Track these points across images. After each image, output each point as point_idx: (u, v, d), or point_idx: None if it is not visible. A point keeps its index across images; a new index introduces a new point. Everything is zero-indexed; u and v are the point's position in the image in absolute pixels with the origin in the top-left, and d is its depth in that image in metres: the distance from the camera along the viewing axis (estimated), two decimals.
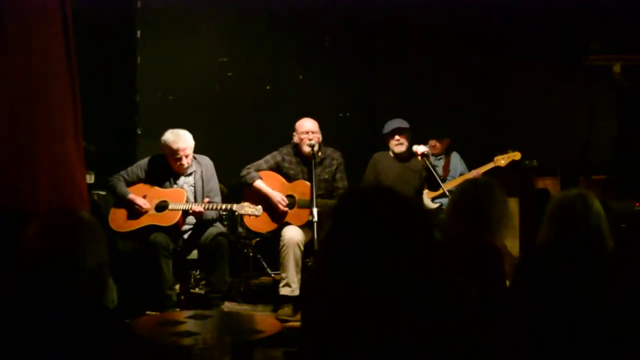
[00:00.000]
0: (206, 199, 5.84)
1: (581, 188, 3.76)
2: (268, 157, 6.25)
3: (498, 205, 3.39)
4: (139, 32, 7.07)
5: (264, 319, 4.83)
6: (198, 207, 5.73)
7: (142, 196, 5.88)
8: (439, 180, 5.78)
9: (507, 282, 3.37)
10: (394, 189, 2.28)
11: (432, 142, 6.67)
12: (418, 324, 2.08)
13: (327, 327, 2.18)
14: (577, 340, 2.83)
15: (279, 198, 6.01)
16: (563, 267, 3.04)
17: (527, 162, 6.62)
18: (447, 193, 5.51)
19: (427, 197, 6.30)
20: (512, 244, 6.13)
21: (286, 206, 6.01)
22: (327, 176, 6.13)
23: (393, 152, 6.33)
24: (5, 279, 2.29)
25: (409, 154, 6.21)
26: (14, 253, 2.34)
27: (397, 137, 6.25)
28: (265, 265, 6.44)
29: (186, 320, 4.19)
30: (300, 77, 7.47)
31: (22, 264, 2.30)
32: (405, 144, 6.27)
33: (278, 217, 6.05)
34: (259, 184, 6.10)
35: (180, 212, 5.77)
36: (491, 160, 6.24)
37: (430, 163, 5.94)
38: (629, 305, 2.87)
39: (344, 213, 2.25)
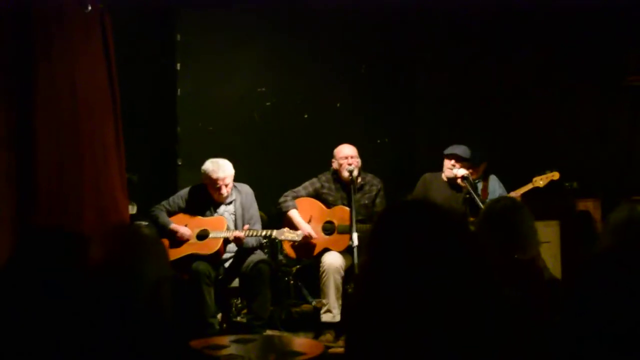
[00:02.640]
0: (246, 226, 5.92)
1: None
2: (307, 183, 6.34)
3: (524, 222, 3.46)
4: (179, 64, 7.20)
5: (307, 342, 4.91)
6: (238, 234, 5.81)
7: (184, 225, 5.97)
8: (480, 203, 5.78)
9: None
10: (436, 202, 2.23)
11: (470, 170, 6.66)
12: (472, 350, 2.00)
13: (372, 352, 2.10)
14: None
15: (307, 231, 6.06)
16: (627, 277, 3.07)
17: (567, 184, 6.63)
18: None
19: None
20: (554, 267, 6.11)
21: (326, 232, 6.10)
22: (366, 202, 6.20)
23: (445, 175, 6.30)
24: (72, 287, 2.44)
25: (453, 178, 6.22)
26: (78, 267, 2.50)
27: (453, 161, 6.21)
28: (306, 293, 6.51)
29: (229, 344, 4.29)
30: (338, 104, 7.52)
31: (89, 273, 2.46)
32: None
33: (312, 248, 6.14)
34: (292, 213, 6.18)
35: (221, 240, 5.85)
36: (530, 181, 6.21)
37: (472, 186, 5.97)
38: None
39: (385, 228, 2.16)
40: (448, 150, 6.25)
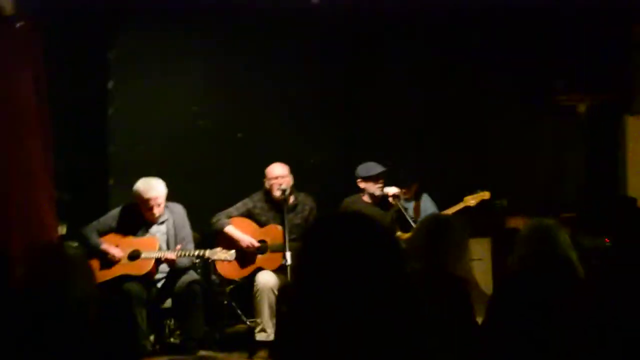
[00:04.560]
0: (178, 246, 5.90)
1: None
2: (239, 204, 6.36)
3: (457, 237, 3.55)
4: (111, 82, 7.17)
5: None
6: (171, 255, 5.80)
7: (115, 246, 5.93)
8: (411, 222, 5.88)
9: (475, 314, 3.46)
10: (364, 214, 2.21)
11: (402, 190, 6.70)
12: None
13: None
14: None
15: (247, 241, 6.11)
16: (538, 292, 3.19)
17: (497, 202, 6.72)
18: None
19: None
20: (485, 284, 6.22)
21: (259, 251, 6.11)
22: (299, 221, 6.23)
23: (372, 196, 6.32)
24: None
25: (381, 197, 6.27)
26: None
27: (380, 180, 6.26)
28: (240, 313, 6.45)
29: None
30: (272, 123, 7.45)
31: (12, 292, 2.49)
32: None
33: (249, 262, 6.15)
34: (229, 229, 6.20)
35: (153, 260, 5.83)
36: (461, 200, 6.29)
37: (402, 205, 6.05)
38: (602, 335, 2.96)
39: (314, 241, 2.12)
40: (370, 172, 6.29)
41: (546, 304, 3.15)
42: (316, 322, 1.98)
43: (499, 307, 3.30)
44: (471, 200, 6.24)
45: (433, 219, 3.87)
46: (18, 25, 5.20)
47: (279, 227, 6.05)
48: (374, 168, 6.30)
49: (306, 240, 2.14)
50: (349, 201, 6.45)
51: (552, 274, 3.30)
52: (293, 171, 6.32)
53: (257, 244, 6.13)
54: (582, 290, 3.13)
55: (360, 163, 6.45)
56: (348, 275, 1.98)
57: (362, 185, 6.35)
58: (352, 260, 2.00)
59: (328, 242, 2.06)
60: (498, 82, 7.37)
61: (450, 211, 6.25)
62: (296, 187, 6.30)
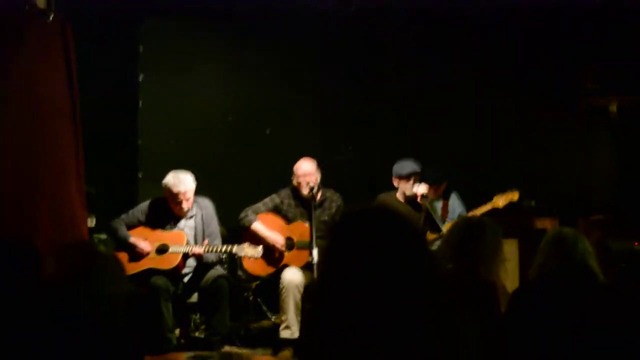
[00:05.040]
0: (205, 241, 5.92)
1: (579, 228, 3.92)
2: (267, 200, 6.36)
3: (490, 241, 3.57)
4: (141, 75, 7.21)
5: (265, 359, 4.86)
6: (198, 250, 5.82)
7: (143, 239, 5.96)
8: (439, 223, 5.86)
9: None
10: (392, 208, 2.12)
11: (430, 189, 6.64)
12: None
13: None
14: None
15: (274, 239, 6.13)
16: (555, 298, 3.21)
17: (525, 202, 6.68)
18: None
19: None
20: (512, 285, 6.13)
21: (285, 248, 6.12)
22: (326, 218, 6.22)
23: (405, 195, 6.27)
24: (24, 302, 2.48)
25: (412, 196, 6.21)
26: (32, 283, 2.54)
27: (413, 180, 6.20)
28: (266, 309, 6.49)
29: None
30: (301, 118, 7.53)
31: (42, 289, 2.49)
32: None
33: (276, 260, 6.18)
34: (256, 226, 6.20)
35: (181, 254, 5.85)
36: (490, 200, 6.26)
37: (430, 205, 6.01)
38: (622, 340, 2.98)
39: (340, 236, 2.03)
40: (404, 170, 6.24)
41: (563, 312, 3.17)
42: (341, 321, 1.90)
43: (515, 315, 3.31)
44: (499, 201, 6.22)
45: (467, 221, 3.90)
46: (50, 18, 5.23)
47: (306, 224, 6.05)
48: (408, 166, 6.24)
49: (332, 235, 2.05)
50: (382, 198, 6.38)
51: (569, 281, 3.33)
52: (321, 167, 6.31)
53: (283, 244, 6.14)
54: (603, 295, 3.22)
55: (388, 160, 6.41)
56: (374, 274, 1.90)
57: (396, 183, 6.31)
58: (379, 257, 1.91)
59: (355, 237, 1.97)
60: (529, 81, 7.30)
61: (478, 211, 6.23)
62: (323, 184, 6.28)
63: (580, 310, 3.11)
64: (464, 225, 3.74)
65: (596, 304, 3.15)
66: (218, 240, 6.06)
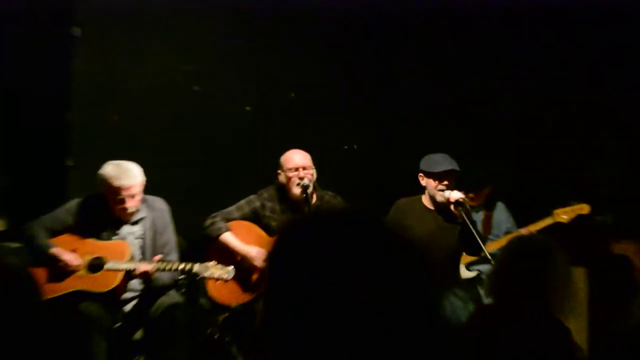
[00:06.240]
0: (158, 256, 5.79)
1: None
2: (242, 202, 6.33)
3: (561, 271, 3.56)
4: (77, 30, 7.12)
5: None
6: (146, 267, 5.68)
7: (71, 250, 5.82)
8: (479, 240, 5.63)
9: None
10: (362, 212, 1.88)
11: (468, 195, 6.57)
12: None
13: None
14: None
15: (254, 253, 6.10)
16: None
17: (598, 218, 6.67)
18: (490, 257, 5.41)
19: (460, 262, 6.22)
20: (578, 327, 6.07)
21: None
22: None
23: (434, 201, 6.06)
24: None
25: (444, 204, 6.03)
26: None
27: (446, 182, 5.97)
28: (236, 353, 6.27)
29: None
30: (292, 94, 7.54)
31: None
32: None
33: (253, 285, 6.16)
34: (227, 237, 6.17)
35: (122, 273, 5.72)
36: (549, 214, 6.27)
37: (468, 216, 5.79)
38: None
39: (279, 264, 1.85)
40: (434, 167, 6.03)
41: None
42: None
43: None
44: (563, 215, 6.21)
45: (528, 242, 3.84)
46: None
47: None
48: (441, 163, 6.01)
49: (270, 263, 1.86)
50: (402, 204, 6.20)
51: None
52: (317, 161, 6.26)
53: (263, 263, 5.89)
54: None
55: (415, 156, 6.21)
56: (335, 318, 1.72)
57: (422, 181, 6.10)
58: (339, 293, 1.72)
59: (297, 266, 1.79)
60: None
61: (534, 228, 6.23)
62: (320, 184, 6.26)
63: None
64: (525, 248, 3.69)
65: None
66: (174, 255, 5.96)
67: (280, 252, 1.85)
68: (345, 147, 7.54)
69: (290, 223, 1.96)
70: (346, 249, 1.76)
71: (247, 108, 7.51)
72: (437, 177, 5.98)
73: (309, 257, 1.79)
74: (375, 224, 1.83)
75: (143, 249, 5.89)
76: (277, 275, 1.85)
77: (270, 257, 1.87)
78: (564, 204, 6.26)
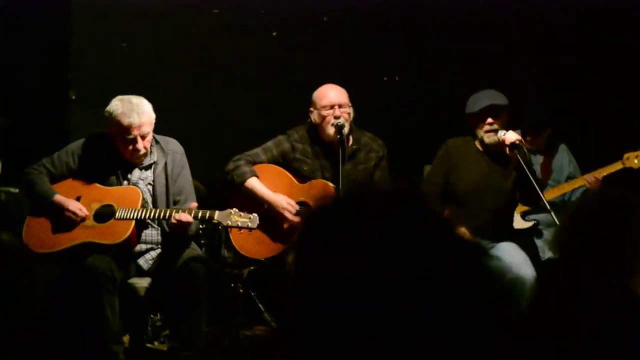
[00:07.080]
0: (193, 204, 5.82)
1: None
2: (269, 143, 6.37)
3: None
4: None
5: None
6: (186, 217, 5.69)
7: (75, 197, 5.90)
8: (537, 188, 5.68)
9: None
10: (417, 195, 1.81)
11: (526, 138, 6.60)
12: None
13: None
14: None
15: (284, 204, 6.12)
16: None
17: None
18: (548, 207, 5.47)
19: (515, 211, 6.30)
20: None
21: (297, 216, 6.06)
22: (360, 175, 6.20)
23: (482, 143, 6.15)
24: None
25: (495, 146, 6.06)
26: None
27: (489, 120, 6.04)
28: (263, 309, 6.46)
29: None
30: (325, 18, 7.47)
31: None
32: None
33: (282, 236, 6.18)
34: (252, 183, 6.18)
35: (133, 222, 5.78)
36: (618, 158, 6.28)
37: (526, 159, 5.85)
38: None
39: (309, 255, 1.79)
40: (475, 106, 6.09)
41: None
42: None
43: None
44: (635, 160, 6.22)
45: (606, 197, 3.64)
46: None
47: (329, 185, 6.11)
48: (480, 99, 6.08)
49: (298, 253, 1.81)
50: (452, 145, 6.31)
51: None
52: (355, 97, 6.23)
53: (296, 209, 6.06)
54: None
55: (466, 92, 6.27)
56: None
57: (471, 125, 6.19)
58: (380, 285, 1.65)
59: (332, 255, 1.71)
60: None
61: (599, 174, 6.28)
62: (358, 124, 6.27)
63: None
64: (599, 203, 3.53)
65: None
66: (191, 202, 5.93)
67: (307, 251, 1.81)
68: (385, 78, 7.51)
69: (316, 213, 1.88)
70: (388, 247, 1.68)
71: (274, 34, 7.46)
72: (479, 116, 6.06)
73: (340, 259, 1.71)
74: (426, 217, 1.73)
75: (155, 195, 5.95)
76: (302, 278, 1.80)
77: (296, 250, 1.83)
78: (635, 147, 6.25)
